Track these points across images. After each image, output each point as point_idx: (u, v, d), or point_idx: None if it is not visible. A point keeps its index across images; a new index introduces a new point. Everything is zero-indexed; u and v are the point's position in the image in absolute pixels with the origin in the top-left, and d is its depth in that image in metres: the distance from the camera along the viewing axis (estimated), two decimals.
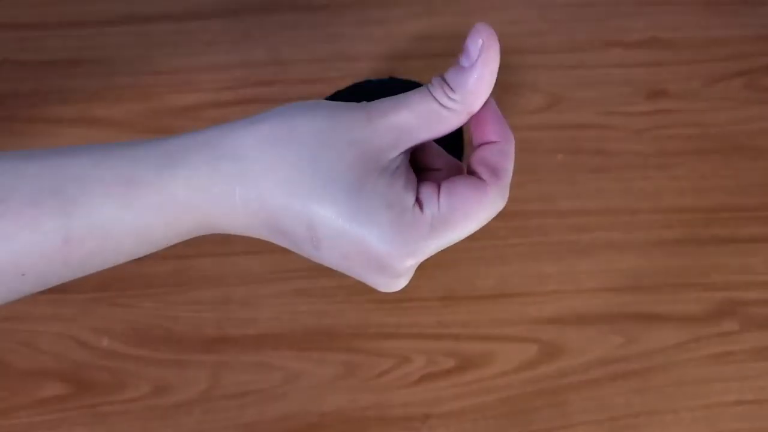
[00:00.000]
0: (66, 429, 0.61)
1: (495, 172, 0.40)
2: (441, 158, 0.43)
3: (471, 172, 0.41)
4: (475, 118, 0.40)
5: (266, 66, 0.76)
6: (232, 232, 0.39)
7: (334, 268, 0.39)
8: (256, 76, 0.70)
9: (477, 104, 0.38)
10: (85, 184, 0.34)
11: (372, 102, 0.39)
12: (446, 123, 0.38)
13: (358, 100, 0.67)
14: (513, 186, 0.72)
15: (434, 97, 0.38)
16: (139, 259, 0.66)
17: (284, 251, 0.68)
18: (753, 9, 0.84)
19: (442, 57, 0.77)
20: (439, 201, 0.39)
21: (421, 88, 0.39)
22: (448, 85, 0.38)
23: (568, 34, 0.81)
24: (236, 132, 0.37)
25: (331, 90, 0.76)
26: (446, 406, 0.63)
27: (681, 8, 0.84)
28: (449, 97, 0.38)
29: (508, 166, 0.40)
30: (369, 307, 0.66)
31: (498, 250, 0.69)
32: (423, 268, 0.69)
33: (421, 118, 0.38)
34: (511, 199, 0.71)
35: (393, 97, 0.39)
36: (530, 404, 0.63)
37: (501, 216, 0.70)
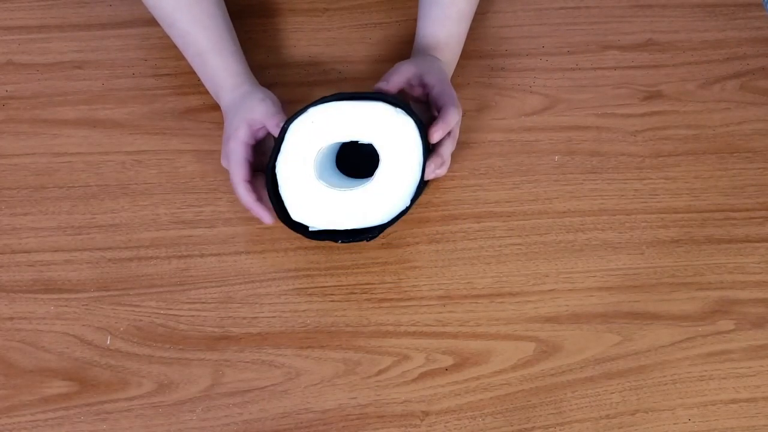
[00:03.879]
0: (69, 427, 0.61)
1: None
2: None
3: None
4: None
5: (266, 68, 0.77)
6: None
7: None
8: (257, 78, 0.71)
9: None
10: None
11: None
12: None
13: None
14: (510, 186, 0.73)
15: None
16: (142, 259, 0.67)
17: (285, 251, 0.69)
18: (748, 11, 0.85)
19: None
20: None
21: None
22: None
23: (564, 37, 0.81)
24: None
25: (329, 91, 0.76)
26: (444, 404, 0.63)
27: (676, 11, 0.85)
28: None
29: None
30: (368, 305, 0.67)
31: (495, 249, 0.70)
32: (422, 267, 0.69)
33: None
34: (509, 200, 0.72)
35: None
36: (527, 402, 0.64)
37: (498, 216, 0.72)
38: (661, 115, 0.78)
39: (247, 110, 0.67)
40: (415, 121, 0.63)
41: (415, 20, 0.76)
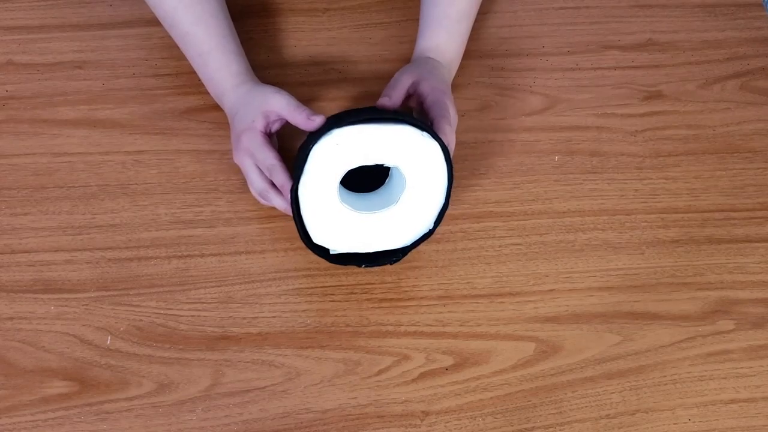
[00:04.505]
0: (69, 427, 0.61)
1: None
2: None
3: None
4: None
5: (267, 68, 0.77)
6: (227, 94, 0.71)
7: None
8: (257, 78, 0.71)
9: None
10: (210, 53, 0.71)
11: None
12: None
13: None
14: (510, 186, 0.73)
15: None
16: (142, 259, 0.67)
17: (285, 251, 0.69)
18: (748, 11, 0.85)
19: None
20: None
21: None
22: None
23: (564, 37, 0.81)
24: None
25: (330, 91, 0.77)
26: (445, 404, 0.63)
27: (676, 11, 0.85)
28: None
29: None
30: (368, 305, 0.67)
31: (495, 249, 0.70)
32: (422, 267, 0.69)
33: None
34: (509, 200, 0.72)
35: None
36: (527, 402, 0.64)
37: (498, 216, 0.72)
38: (661, 115, 0.78)
39: (262, 102, 0.66)
40: (441, 145, 0.61)
41: (416, 20, 0.76)
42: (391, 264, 0.66)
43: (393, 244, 0.65)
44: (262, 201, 0.67)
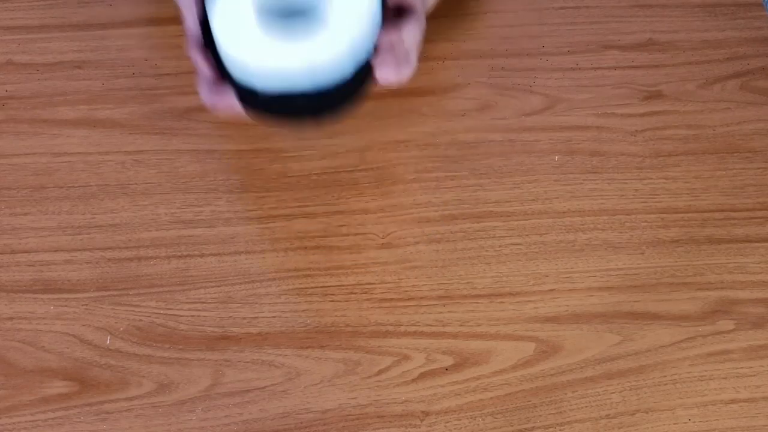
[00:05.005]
0: (69, 427, 0.61)
1: None
2: None
3: None
4: None
5: None
6: None
7: None
8: None
9: None
10: None
11: None
12: None
13: None
14: (510, 186, 0.73)
15: None
16: (142, 259, 0.67)
17: (285, 251, 0.69)
18: (748, 11, 0.85)
19: (440, 59, 0.77)
20: None
21: None
22: None
23: (564, 37, 0.81)
24: None
25: None
26: (445, 404, 0.63)
27: (677, 10, 0.85)
28: None
29: None
30: (368, 305, 0.67)
31: (495, 249, 0.70)
32: (422, 267, 0.69)
33: None
34: (509, 199, 0.72)
35: None
36: (527, 402, 0.64)
37: (498, 216, 0.72)
38: (661, 115, 0.78)
39: None
40: None
41: None
42: (334, 109, 0.55)
43: (332, 78, 0.52)
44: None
